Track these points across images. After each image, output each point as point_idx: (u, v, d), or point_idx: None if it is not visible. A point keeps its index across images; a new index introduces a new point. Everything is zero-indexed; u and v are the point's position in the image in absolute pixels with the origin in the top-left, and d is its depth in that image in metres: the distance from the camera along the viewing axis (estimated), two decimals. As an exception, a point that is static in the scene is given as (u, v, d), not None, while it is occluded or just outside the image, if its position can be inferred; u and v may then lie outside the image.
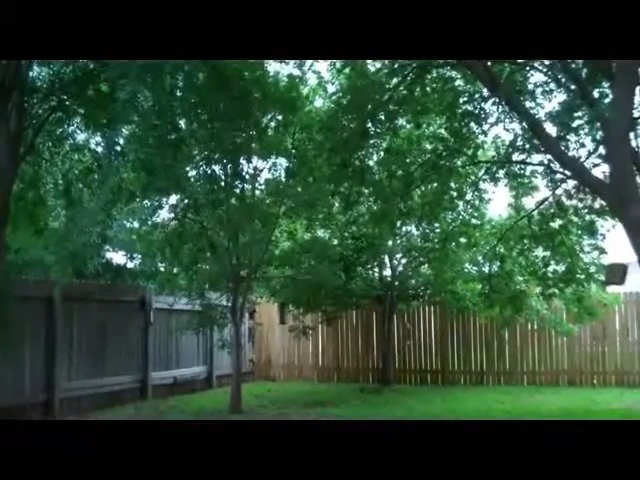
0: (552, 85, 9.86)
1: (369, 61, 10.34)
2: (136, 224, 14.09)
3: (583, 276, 12.09)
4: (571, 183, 10.28)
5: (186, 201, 11.00)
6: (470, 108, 10.55)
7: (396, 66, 9.94)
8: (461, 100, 10.60)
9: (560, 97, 9.97)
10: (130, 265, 15.14)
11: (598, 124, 8.76)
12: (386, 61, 10.03)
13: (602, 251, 12.03)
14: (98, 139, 10.67)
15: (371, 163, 11.91)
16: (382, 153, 11.84)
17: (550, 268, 12.36)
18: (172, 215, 11.38)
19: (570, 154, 9.52)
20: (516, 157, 10.91)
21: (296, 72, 10.74)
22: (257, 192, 11.49)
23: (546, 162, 10.30)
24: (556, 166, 9.86)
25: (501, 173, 11.38)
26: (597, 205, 10.43)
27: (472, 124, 10.75)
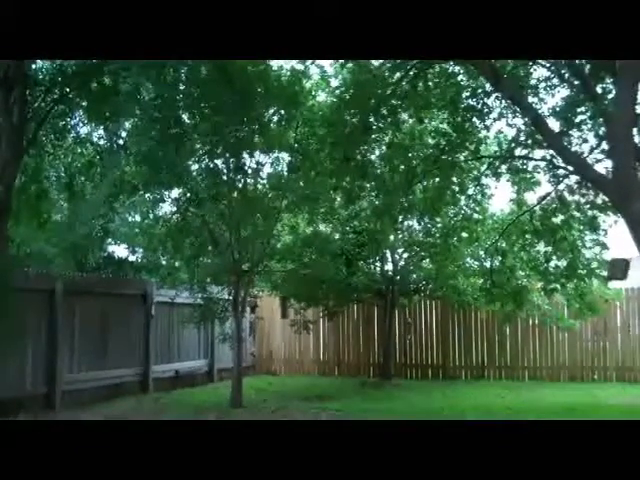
0: (555, 80, 9.86)
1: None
2: (138, 217, 14.10)
3: (585, 271, 12.10)
4: (573, 178, 10.28)
5: (188, 195, 11.00)
6: (473, 103, 10.53)
7: (399, 61, 9.93)
8: (464, 95, 10.59)
9: (563, 92, 9.97)
10: (132, 258, 15.16)
11: (601, 120, 8.76)
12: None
13: (604, 246, 12.03)
14: (101, 132, 10.69)
15: (373, 158, 11.90)
16: (384, 148, 11.83)
17: (552, 263, 12.38)
18: (174, 209, 11.39)
19: (573, 149, 9.52)
20: (518, 152, 10.89)
21: (299, 67, 10.75)
22: (259, 186, 11.48)
23: (548, 157, 10.29)
24: (558, 161, 9.86)
25: (503, 168, 11.37)
26: (599, 200, 10.41)
27: (475, 119, 10.73)
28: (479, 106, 10.50)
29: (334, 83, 11.34)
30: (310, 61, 10.76)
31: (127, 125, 10.69)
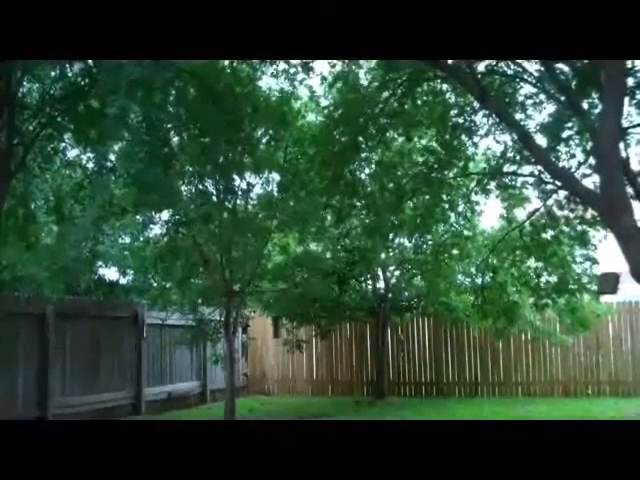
0: (542, 96, 9.89)
1: (361, 75, 10.41)
2: (128, 239, 14.05)
3: (576, 286, 12.11)
4: (562, 194, 10.28)
5: (178, 216, 10.98)
6: (461, 120, 10.58)
7: (387, 79, 9.98)
8: (452, 113, 10.63)
9: (550, 108, 10.01)
10: (122, 281, 15.07)
11: (588, 135, 8.80)
12: (378, 75, 10.08)
13: (594, 261, 12.04)
14: (89, 155, 10.64)
15: (363, 176, 11.93)
16: (374, 166, 11.86)
17: (543, 279, 12.38)
18: (164, 230, 11.36)
19: (560, 165, 9.54)
20: (507, 168, 10.92)
21: (287, 87, 10.77)
22: (249, 207, 11.48)
23: (537, 173, 10.31)
24: (547, 177, 9.87)
25: (492, 185, 11.39)
26: (588, 215, 10.43)
27: (463, 136, 10.77)
28: (467, 123, 10.55)
29: (323, 103, 11.37)
30: (298, 80, 10.74)
31: (115, 147, 10.66)
